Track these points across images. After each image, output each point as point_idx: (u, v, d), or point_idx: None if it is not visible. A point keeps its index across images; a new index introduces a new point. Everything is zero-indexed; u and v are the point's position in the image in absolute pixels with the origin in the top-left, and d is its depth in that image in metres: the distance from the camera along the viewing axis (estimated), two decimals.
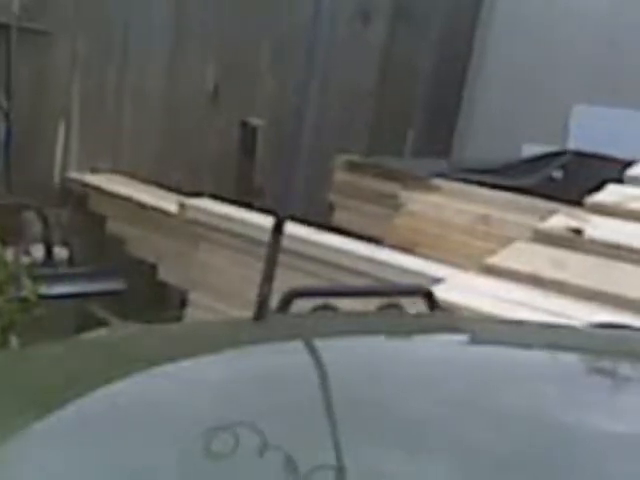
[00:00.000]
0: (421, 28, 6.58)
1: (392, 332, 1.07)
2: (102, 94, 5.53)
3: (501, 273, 3.01)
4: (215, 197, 4.61)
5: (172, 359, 1.01)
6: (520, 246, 3.29)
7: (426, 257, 4.24)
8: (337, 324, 1.13)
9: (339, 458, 0.77)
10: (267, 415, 0.84)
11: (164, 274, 4.81)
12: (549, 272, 2.96)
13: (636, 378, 0.92)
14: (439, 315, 1.20)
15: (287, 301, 1.17)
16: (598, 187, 4.29)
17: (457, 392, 0.88)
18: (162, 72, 5.70)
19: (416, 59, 6.58)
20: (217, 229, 4.25)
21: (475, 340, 1.05)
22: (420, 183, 5.07)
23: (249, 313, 1.11)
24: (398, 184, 5.09)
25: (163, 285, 4.86)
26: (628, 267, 2.80)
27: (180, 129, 5.77)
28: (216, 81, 5.85)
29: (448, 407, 0.84)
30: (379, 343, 1.04)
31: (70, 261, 5.03)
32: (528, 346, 1.03)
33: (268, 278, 1.13)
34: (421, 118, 6.79)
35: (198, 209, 4.44)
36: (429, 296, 1.18)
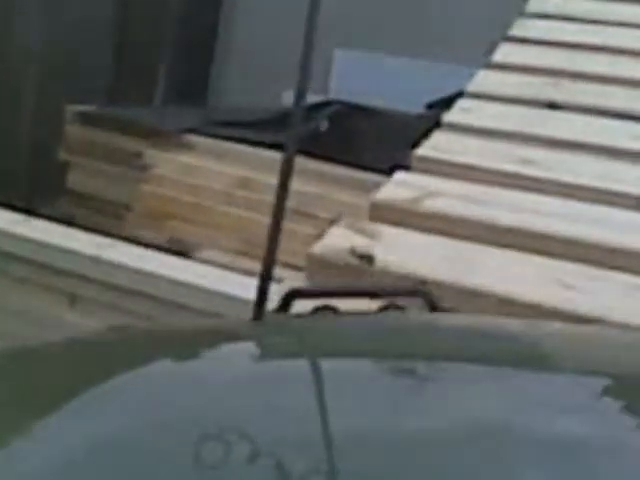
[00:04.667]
0: None
1: (393, 333, 1.08)
2: None
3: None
4: None
5: (167, 359, 1.02)
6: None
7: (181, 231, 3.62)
8: (337, 325, 1.14)
9: (332, 463, 0.75)
10: (260, 419, 0.84)
11: None
12: None
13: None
14: (439, 315, 1.20)
15: (287, 301, 1.16)
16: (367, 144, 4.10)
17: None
18: None
19: None
20: None
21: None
22: (169, 139, 4.34)
23: None
24: (143, 140, 4.33)
25: None
26: None
27: None
28: None
29: None
30: (379, 345, 1.03)
31: None
32: None
33: (266, 277, 1.14)
34: (173, 56, 6.03)
35: None
36: (429, 297, 1.19)
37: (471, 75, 2.93)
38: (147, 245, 3.26)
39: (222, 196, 4.05)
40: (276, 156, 4.54)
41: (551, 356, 0.96)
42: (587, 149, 2.39)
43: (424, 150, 2.35)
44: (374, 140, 4.61)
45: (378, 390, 0.89)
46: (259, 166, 4.28)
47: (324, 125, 4.84)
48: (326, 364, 0.99)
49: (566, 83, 2.81)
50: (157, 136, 4.27)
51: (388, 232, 1.97)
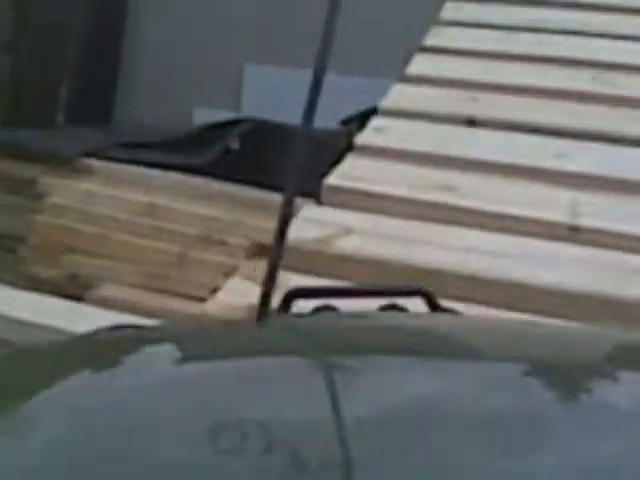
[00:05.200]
0: None
1: (394, 333, 1.08)
2: None
3: None
4: None
5: (174, 360, 1.02)
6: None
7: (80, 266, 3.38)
8: (340, 324, 1.13)
9: (346, 456, 0.76)
10: (272, 415, 0.84)
11: None
12: None
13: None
14: (440, 316, 1.19)
15: (287, 302, 1.14)
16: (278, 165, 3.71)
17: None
18: None
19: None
20: None
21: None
22: (67, 165, 4.09)
23: None
24: (38, 166, 4.07)
25: None
26: None
27: None
28: None
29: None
30: (382, 345, 1.03)
31: None
32: None
33: (270, 278, 1.15)
34: (75, 73, 5.75)
35: None
36: (430, 296, 1.18)
37: (386, 88, 2.73)
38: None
39: (126, 225, 3.83)
40: (186, 180, 4.39)
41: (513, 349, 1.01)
42: (510, 171, 2.18)
43: (335, 179, 2.12)
44: (288, 160, 4.39)
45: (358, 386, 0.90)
46: (167, 191, 4.07)
47: (235, 144, 4.62)
48: (324, 362, 0.99)
49: (485, 97, 2.62)
50: (53, 161, 4.03)
51: (294, 282, 1.72)
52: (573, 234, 1.94)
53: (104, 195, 3.96)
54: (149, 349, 1.07)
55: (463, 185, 2.11)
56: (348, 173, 2.15)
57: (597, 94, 2.55)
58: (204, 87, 5.89)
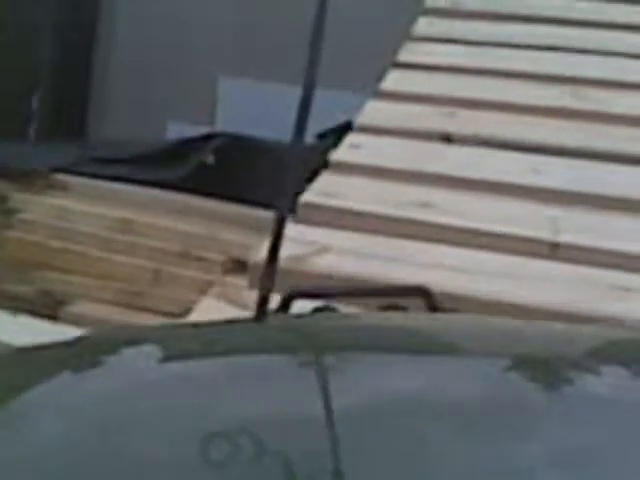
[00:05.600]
0: None
1: (394, 334, 1.07)
2: None
3: None
4: None
5: (170, 359, 1.02)
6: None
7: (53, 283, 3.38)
8: (339, 325, 1.12)
9: (338, 464, 0.77)
10: (265, 420, 0.84)
11: None
12: None
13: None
14: (440, 316, 1.19)
15: (287, 302, 1.14)
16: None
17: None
18: None
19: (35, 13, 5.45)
20: None
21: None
22: (39, 180, 4.04)
23: None
24: (9, 182, 4.02)
25: None
26: None
27: None
28: None
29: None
30: (382, 346, 1.02)
31: None
32: None
33: (268, 277, 1.14)
34: (47, 85, 5.70)
35: None
36: (429, 296, 1.17)
37: (363, 102, 2.71)
38: None
39: (100, 241, 3.79)
40: (161, 195, 4.36)
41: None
42: (488, 187, 2.17)
43: (310, 196, 2.10)
44: (265, 174, 4.39)
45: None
46: (141, 207, 4.03)
47: (210, 159, 4.59)
48: (322, 361, 0.99)
49: (460, 112, 2.61)
50: (25, 177, 3.99)
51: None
52: (553, 251, 1.93)
53: (77, 211, 3.92)
54: (145, 349, 1.06)
55: (441, 202, 2.09)
56: (323, 190, 2.13)
57: (574, 110, 2.54)
58: (178, 101, 5.85)
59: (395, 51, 3.01)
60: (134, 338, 1.12)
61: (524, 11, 3.20)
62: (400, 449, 0.78)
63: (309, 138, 5.09)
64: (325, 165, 2.34)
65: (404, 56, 2.96)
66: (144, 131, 5.53)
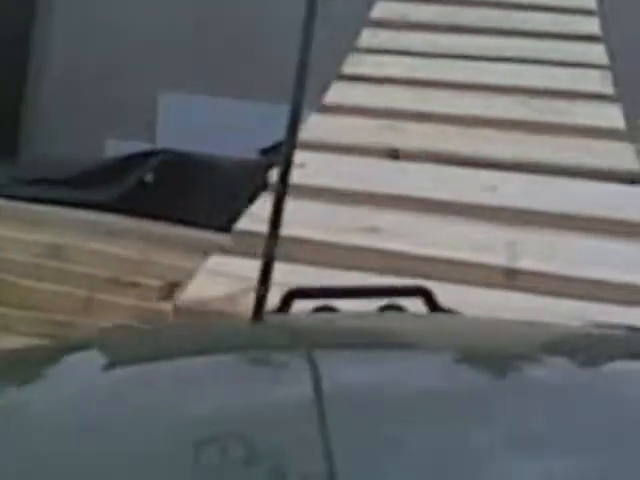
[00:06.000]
0: None
1: (394, 335, 1.08)
2: None
3: None
4: None
5: (168, 360, 1.01)
6: None
7: None
8: (338, 325, 1.13)
9: (331, 467, 0.77)
10: (257, 422, 0.84)
11: None
12: None
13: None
14: (440, 316, 1.19)
15: (286, 301, 1.14)
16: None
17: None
18: None
19: None
20: None
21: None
22: None
23: None
24: None
25: None
26: None
27: None
28: None
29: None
30: (381, 347, 1.03)
31: None
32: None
33: (265, 277, 1.14)
34: None
35: None
36: (429, 296, 1.17)
37: (305, 115, 2.54)
38: None
39: (28, 269, 3.61)
40: (95, 218, 4.14)
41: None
42: (439, 208, 2.00)
43: (246, 223, 1.91)
44: (207, 193, 4.22)
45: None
46: (73, 231, 3.84)
47: (150, 178, 4.40)
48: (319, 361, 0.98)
49: (407, 126, 2.44)
50: None
51: None
52: (510, 279, 1.76)
53: (5, 236, 3.74)
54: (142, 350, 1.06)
55: (389, 226, 1.91)
56: (260, 215, 1.94)
57: (528, 121, 2.39)
58: (116, 117, 5.67)
59: (339, 63, 2.87)
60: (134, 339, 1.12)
61: (471, 22, 3.07)
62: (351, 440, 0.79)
63: (253, 154, 4.93)
64: (264, 186, 2.17)
65: (348, 68, 2.81)
66: (80, 149, 5.35)
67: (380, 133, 2.39)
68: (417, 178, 2.15)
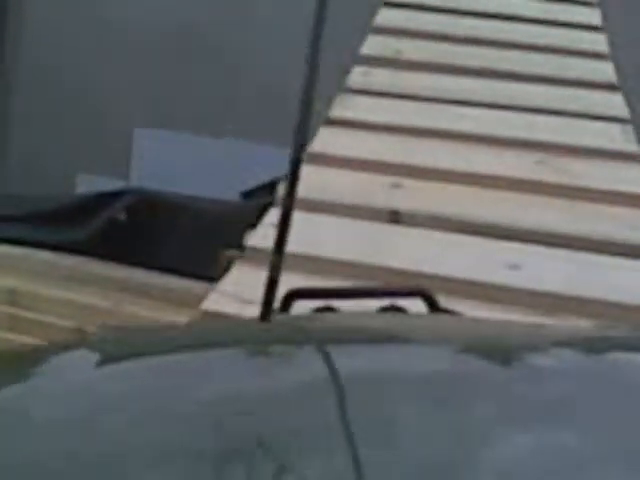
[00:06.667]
0: None
1: (398, 335, 1.08)
2: None
3: None
4: None
5: (175, 361, 1.01)
6: None
7: None
8: (343, 326, 1.12)
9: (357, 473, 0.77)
10: (278, 432, 0.83)
11: None
12: None
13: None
14: (440, 316, 1.21)
15: (287, 302, 1.15)
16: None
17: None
18: None
19: None
20: None
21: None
22: None
23: None
24: None
25: None
26: None
27: None
28: None
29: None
30: (391, 349, 1.03)
31: None
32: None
33: (273, 276, 1.10)
34: None
35: None
36: (429, 297, 1.18)
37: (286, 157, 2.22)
38: None
39: None
40: (58, 260, 3.81)
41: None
42: (450, 288, 1.68)
43: (210, 304, 1.60)
44: (180, 237, 3.95)
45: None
46: (33, 275, 3.58)
47: (122, 217, 4.11)
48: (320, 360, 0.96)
49: (406, 182, 2.14)
50: None
51: None
52: None
53: None
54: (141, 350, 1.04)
55: None
56: (233, 288, 1.64)
57: (550, 183, 2.07)
58: (89, 152, 5.43)
59: (326, 102, 2.54)
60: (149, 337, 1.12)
61: (479, 63, 2.76)
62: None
63: (231, 195, 4.63)
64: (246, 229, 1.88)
65: (336, 111, 2.49)
66: (50, 185, 5.11)
67: (375, 191, 2.08)
68: (421, 249, 1.83)
